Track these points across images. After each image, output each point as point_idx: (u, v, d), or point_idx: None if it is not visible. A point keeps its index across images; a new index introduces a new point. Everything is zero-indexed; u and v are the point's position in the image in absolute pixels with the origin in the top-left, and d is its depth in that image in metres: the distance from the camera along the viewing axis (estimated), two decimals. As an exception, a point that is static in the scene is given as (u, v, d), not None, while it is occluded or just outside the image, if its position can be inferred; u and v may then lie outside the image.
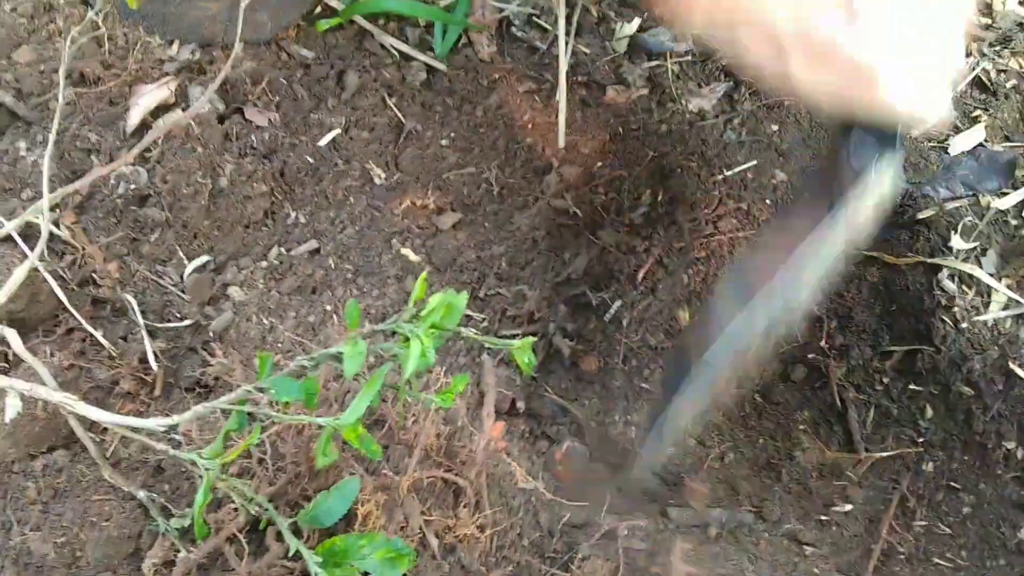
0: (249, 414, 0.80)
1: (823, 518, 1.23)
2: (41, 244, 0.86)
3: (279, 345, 1.10)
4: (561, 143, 1.22)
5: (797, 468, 1.29)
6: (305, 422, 0.76)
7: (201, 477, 0.80)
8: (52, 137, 0.88)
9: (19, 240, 0.94)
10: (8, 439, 0.88)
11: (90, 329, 0.98)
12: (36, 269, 0.90)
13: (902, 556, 1.17)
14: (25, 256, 0.92)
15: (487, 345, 0.80)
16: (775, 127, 1.36)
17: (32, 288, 0.93)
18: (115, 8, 1.12)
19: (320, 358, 0.77)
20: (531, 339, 0.78)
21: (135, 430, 0.80)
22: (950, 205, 1.26)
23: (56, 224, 1.00)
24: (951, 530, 1.18)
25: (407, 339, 0.76)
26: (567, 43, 1.18)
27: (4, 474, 0.89)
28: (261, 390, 0.76)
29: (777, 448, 1.31)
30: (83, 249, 1.00)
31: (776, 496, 1.27)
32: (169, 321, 1.04)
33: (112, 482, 0.87)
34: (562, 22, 1.14)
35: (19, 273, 0.84)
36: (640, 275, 1.34)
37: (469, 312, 1.24)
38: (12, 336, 0.84)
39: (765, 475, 1.30)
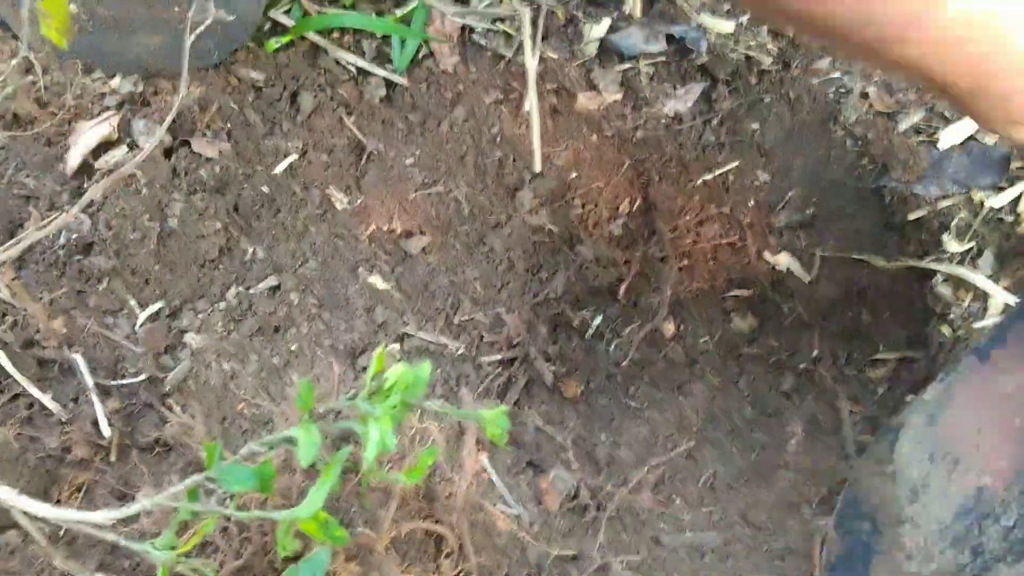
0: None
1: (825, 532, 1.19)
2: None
3: (241, 392, 1.04)
4: (537, 167, 1.16)
5: (790, 481, 1.24)
6: (259, 518, 0.70)
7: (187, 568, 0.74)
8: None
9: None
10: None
11: (37, 394, 0.92)
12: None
13: None
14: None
15: (454, 415, 0.74)
16: (755, 125, 1.29)
17: (-31, 358, 0.87)
18: (48, 44, 1.04)
19: (274, 442, 0.71)
20: (503, 408, 0.72)
21: (81, 523, 0.74)
22: (941, 204, 1.20)
23: (-6, 284, 0.94)
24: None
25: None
26: (534, 53, 1.11)
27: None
28: (210, 479, 0.71)
29: (769, 461, 1.26)
30: (24, 309, 0.93)
31: (769, 510, 1.22)
32: (123, 377, 0.98)
33: (65, 569, 0.81)
34: (527, 33, 1.07)
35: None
36: (622, 289, 1.28)
37: (444, 340, 1.18)
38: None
39: (758, 490, 1.25)
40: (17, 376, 0.91)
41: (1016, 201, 1.19)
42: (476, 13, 1.14)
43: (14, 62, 0.99)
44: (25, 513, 0.81)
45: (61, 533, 0.86)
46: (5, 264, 0.94)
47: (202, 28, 0.89)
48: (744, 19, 1.28)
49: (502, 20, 1.21)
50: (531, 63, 1.13)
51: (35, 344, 0.95)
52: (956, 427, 0.87)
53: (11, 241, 0.95)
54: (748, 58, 1.27)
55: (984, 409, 0.86)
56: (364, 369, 1.14)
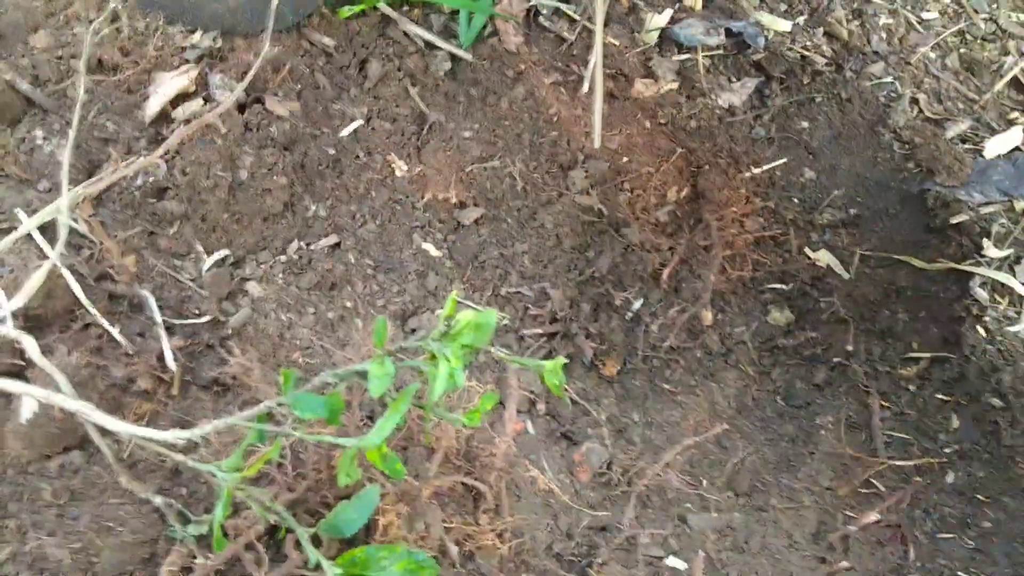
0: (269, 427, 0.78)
1: (848, 528, 1.21)
2: (60, 245, 0.84)
3: (297, 343, 1.08)
4: (597, 143, 1.19)
5: (818, 472, 1.27)
6: (329, 443, 0.74)
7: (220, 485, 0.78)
8: (73, 133, 0.86)
9: (37, 235, 0.92)
10: (23, 440, 0.87)
11: (107, 326, 0.95)
12: (54, 265, 0.87)
13: (924, 569, 1.15)
14: (42, 251, 0.90)
15: (515, 363, 0.78)
16: (805, 124, 1.32)
17: (48, 284, 0.91)
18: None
19: (345, 375, 0.75)
20: (562, 360, 0.76)
21: (153, 440, 0.78)
22: (984, 210, 1.23)
23: (74, 218, 0.98)
24: (974, 544, 1.16)
25: (434, 357, 0.74)
26: (603, 36, 1.14)
27: (19, 475, 0.87)
28: (282, 404, 0.74)
29: (799, 452, 1.29)
30: (100, 243, 0.97)
31: (794, 497, 1.25)
32: (186, 317, 1.02)
33: (129, 488, 0.85)
34: (600, 18, 1.10)
35: (39, 275, 0.82)
36: (664, 274, 1.31)
37: (491, 309, 1.22)
38: (30, 343, 0.82)
39: (785, 479, 1.28)
40: (89, 307, 0.95)
41: (1058, 212, 1.21)
42: (550, 5, 1.18)
43: (104, 12, 1.03)
44: (98, 429, 0.85)
45: (125, 456, 0.90)
46: (85, 200, 0.99)
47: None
48: (801, 19, 1.31)
49: (568, 1, 1.24)
50: (598, 46, 1.16)
51: (107, 278, 0.99)
52: None
53: (91, 179, 0.99)
54: (803, 57, 1.30)
55: None
56: (413, 331, 1.18)
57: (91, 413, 0.78)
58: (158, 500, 0.86)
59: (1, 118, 1.02)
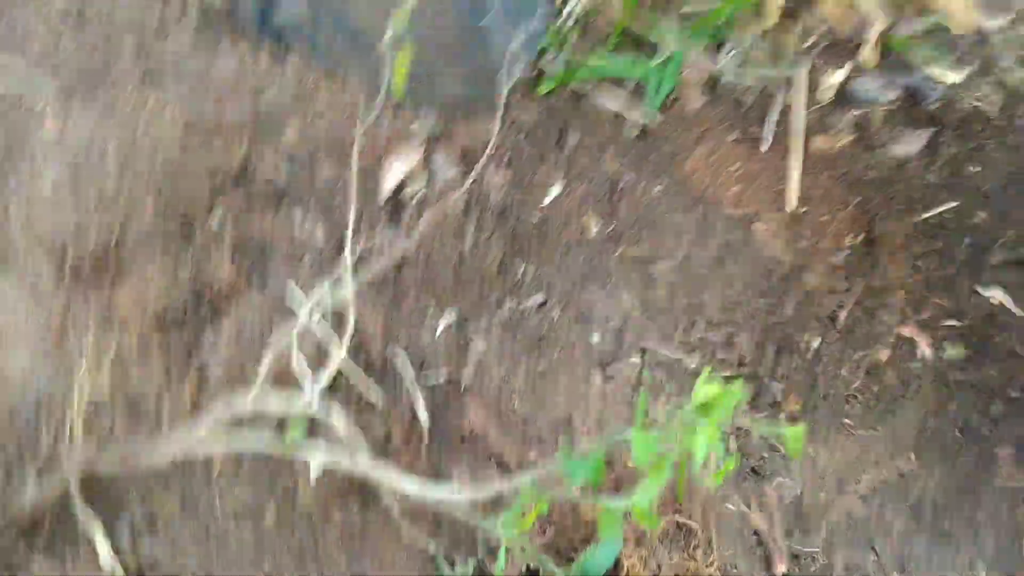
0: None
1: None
2: (347, 337, 0.97)
3: (514, 392, 1.20)
4: (792, 205, 1.28)
5: (998, 501, 1.33)
6: (602, 505, 0.86)
7: (495, 537, 0.91)
8: (351, 223, 0.99)
9: (318, 324, 1.06)
10: (312, 494, 1.01)
11: (367, 387, 1.09)
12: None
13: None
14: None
15: (760, 431, 0.88)
16: (977, 168, 1.38)
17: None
18: (367, 87, 1.22)
19: (610, 441, 0.86)
20: (801, 428, 0.85)
21: (440, 500, 0.91)
22: None
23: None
24: None
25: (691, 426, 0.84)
26: (794, 115, 1.23)
27: (308, 527, 1.01)
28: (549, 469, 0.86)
29: (977, 481, 1.35)
30: (357, 313, 1.11)
31: (973, 527, 1.32)
32: (427, 375, 1.16)
33: (407, 539, 0.99)
34: (801, 95, 1.19)
35: (335, 362, 0.96)
36: (842, 315, 1.39)
37: (681, 355, 1.32)
38: (338, 415, 0.96)
39: (965, 506, 1.35)
40: (355, 375, 1.09)
41: None
42: (726, 60, 1.27)
43: (368, 118, 1.17)
44: (385, 485, 0.99)
45: (398, 507, 1.03)
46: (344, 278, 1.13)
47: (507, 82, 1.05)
48: (971, 70, 1.37)
49: (745, 66, 1.33)
50: (799, 123, 1.24)
51: (363, 346, 1.13)
52: None
53: (351, 259, 1.13)
54: (974, 108, 1.36)
55: None
56: (611, 377, 1.29)
57: (393, 478, 0.91)
58: (431, 547, 0.99)
59: (264, 201, 1.17)
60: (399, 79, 1.06)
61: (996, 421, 1.37)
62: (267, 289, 1.10)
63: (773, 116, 1.30)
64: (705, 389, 0.86)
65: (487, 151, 1.27)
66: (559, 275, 1.30)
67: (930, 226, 1.40)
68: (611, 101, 1.35)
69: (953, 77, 1.36)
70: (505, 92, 1.06)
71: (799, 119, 1.23)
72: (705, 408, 0.85)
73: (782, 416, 1.37)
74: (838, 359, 1.39)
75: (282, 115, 1.21)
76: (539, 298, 1.28)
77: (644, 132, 1.36)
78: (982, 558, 1.28)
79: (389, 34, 1.01)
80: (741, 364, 1.33)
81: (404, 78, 1.10)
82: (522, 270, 1.28)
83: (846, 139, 1.34)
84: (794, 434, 0.86)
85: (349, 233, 1.02)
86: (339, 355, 0.99)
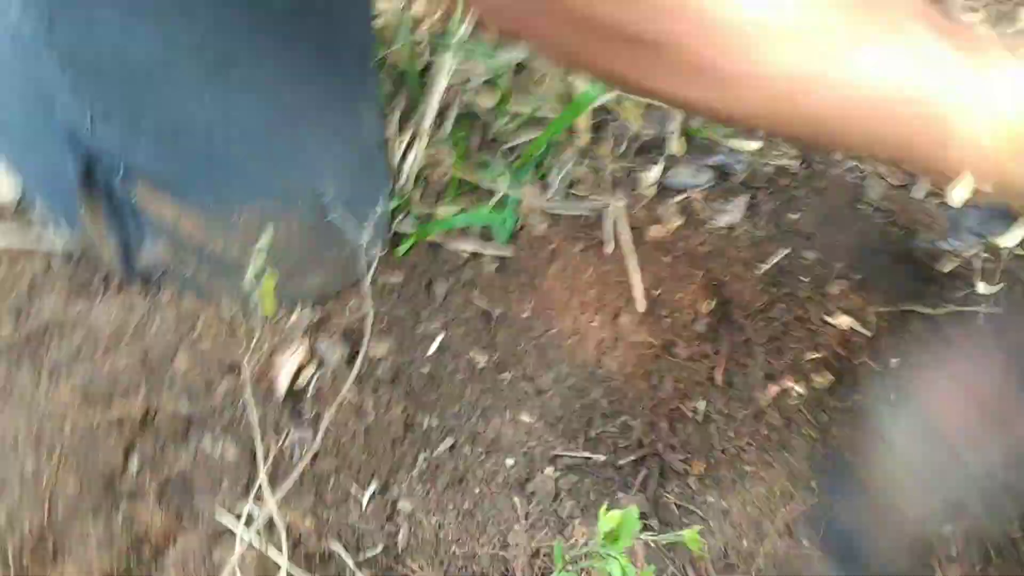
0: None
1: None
2: (284, 546, 1.06)
3: (449, 538, 1.30)
4: (641, 308, 1.42)
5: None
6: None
7: None
8: (257, 435, 1.08)
9: (248, 536, 1.14)
10: None
11: (313, 582, 1.18)
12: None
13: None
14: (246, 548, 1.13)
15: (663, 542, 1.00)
16: (796, 215, 1.55)
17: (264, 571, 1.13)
18: (241, 306, 1.32)
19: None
20: (696, 530, 0.98)
21: None
22: (967, 254, 1.45)
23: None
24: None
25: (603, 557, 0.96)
26: (620, 230, 1.38)
27: None
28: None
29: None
30: (287, 517, 1.20)
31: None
32: (366, 553, 1.25)
33: None
34: (624, 224, 1.33)
35: (282, 573, 1.04)
36: (718, 376, 1.54)
37: (587, 453, 1.45)
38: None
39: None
40: (299, 573, 1.17)
41: (1025, 239, 1.43)
42: (563, 203, 1.41)
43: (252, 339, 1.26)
44: None
45: None
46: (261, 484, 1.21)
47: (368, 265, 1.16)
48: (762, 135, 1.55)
49: (576, 184, 1.47)
50: (626, 234, 1.39)
51: (300, 543, 1.21)
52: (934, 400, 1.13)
53: (265, 468, 1.22)
54: (777, 166, 1.53)
55: (944, 392, 1.10)
56: (533, 494, 1.40)
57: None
58: None
59: (173, 438, 1.25)
60: (268, 302, 1.15)
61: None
62: (199, 519, 1.18)
63: (608, 223, 1.45)
64: (607, 519, 0.98)
65: (367, 325, 1.38)
66: (461, 415, 1.41)
67: (771, 276, 1.56)
68: (465, 244, 1.48)
69: (752, 145, 1.53)
70: (367, 267, 1.17)
71: (625, 231, 1.38)
72: (610, 536, 0.96)
73: (691, 479, 1.50)
74: (726, 415, 1.53)
75: (169, 349, 1.29)
76: (449, 442, 1.38)
77: (503, 263, 1.49)
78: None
79: (251, 269, 1.11)
80: (641, 446, 1.46)
81: (273, 298, 1.20)
82: (426, 422, 1.38)
83: (675, 224, 1.49)
84: (691, 537, 0.98)
85: (258, 444, 1.11)
86: (283, 564, 1.07)
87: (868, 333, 1.54)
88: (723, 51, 0.64)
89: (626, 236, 1.39)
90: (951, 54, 0.70)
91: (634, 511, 0.97)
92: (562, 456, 1.43)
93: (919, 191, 1.49)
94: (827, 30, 0.66)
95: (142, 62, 1.04)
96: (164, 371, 1.28)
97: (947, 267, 1.45)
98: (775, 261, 1.55)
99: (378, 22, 1.54)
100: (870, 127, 0.73)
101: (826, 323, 1.57)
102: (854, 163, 1.53)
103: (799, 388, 1.58)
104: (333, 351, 1.33)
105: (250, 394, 1.18)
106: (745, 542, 1.43)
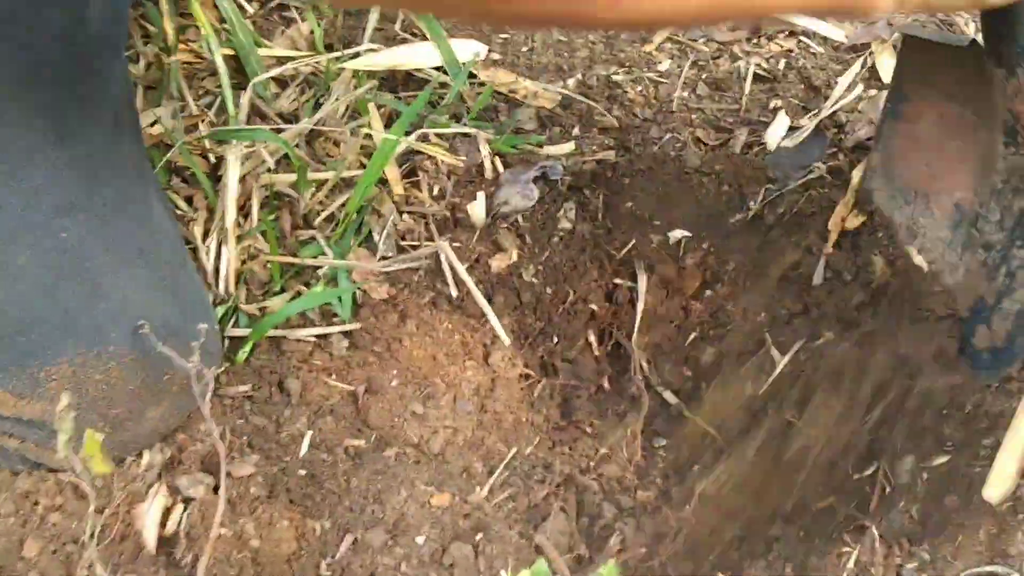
0: None
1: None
2: None
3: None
4: (508, 342, 1.37)
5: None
6: None
7: None
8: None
9: None
10: None
11: None
12: None
13: None
14: None
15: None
16: (630, 203, 1.53)
17: None
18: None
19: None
20: (613, 562, 0.92)
21: None
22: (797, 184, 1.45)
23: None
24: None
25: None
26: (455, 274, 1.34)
27: None
28: None
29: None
30: None
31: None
32: None
33: None
34: (459, 267, 1.28)
35: None
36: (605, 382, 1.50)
37: (499, 500, 1.37)
38: None
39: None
40: None
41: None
42: (395, 260, 1.35)
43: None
44: None
45: None
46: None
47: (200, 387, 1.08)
48: (577, 130, 1.52)
49: (404, 237, 1.41)
50: (475, 290, 1.36)
51: None
52: (909, 173, 1.16)
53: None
54: (596, 161, 1.51)
55: (919, 151, 1.13)
56: (452, 565, 1.31)
57: None
58: None
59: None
60: (97, 462, 1.05)
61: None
62: None
63: (446, 268, 1.39)
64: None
65: (220, 448, 1.27)
66: (354, 508, 1.31)
67: (621, 263, 1.53)
68: (308, 330, 1.39)
69: (567, 147, 1.50)
70: (205, 388, 1.08)
71: (462, 270, 1.33)
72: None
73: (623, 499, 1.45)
74: (620, 435, 1.49)
75: (13, 540, 1.16)
76: (349, 540, 1.28)
77: (353, 339, 1.41)
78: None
79: (60, 437, 1.01)
80: (548, 484, 1.40)
81: (102, 457, 1.09)
82: (319, 527, 1.28)
83: (515, 247, 1.45)
84: (608, 570, 0.92)
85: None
86: None
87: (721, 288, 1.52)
88: None
89: (464, 275, 1.33)
90: None
91: (543, 565, 0.91)
92: (471, 514, 1.35)
93: (736, 145, 1.49)
94: None
95: None
96: (13, 566, 1.15)
97: (783, 207, 1.45)
98: (625, 251, 1.53)
99: (154, 129, 1.45)
100: None
101: (692, 303, 1.55)
102: (670, 135, 1.51)
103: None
104: (196, 485, 1.22)
105: (116, 553, 1.06)
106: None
